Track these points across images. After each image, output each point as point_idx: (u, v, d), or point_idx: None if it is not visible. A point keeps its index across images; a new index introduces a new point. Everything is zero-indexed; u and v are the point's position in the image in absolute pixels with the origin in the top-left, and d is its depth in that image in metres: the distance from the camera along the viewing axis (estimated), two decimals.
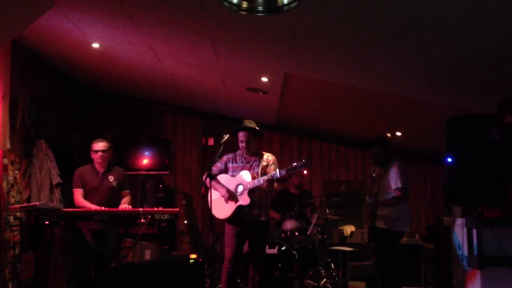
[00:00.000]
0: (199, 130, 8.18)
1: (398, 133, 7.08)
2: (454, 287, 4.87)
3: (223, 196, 4.51)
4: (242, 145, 4.62)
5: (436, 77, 4.64)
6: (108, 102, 7.97)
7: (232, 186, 4.54)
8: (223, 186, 4.54)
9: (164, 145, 7.45)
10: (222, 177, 4.65)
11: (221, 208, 4.57)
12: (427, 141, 7.29)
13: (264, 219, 4.57)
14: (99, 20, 4.69)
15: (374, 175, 4.99)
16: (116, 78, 6.95)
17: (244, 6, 3.56)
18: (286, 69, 5.34)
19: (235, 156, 4.73)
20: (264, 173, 4.54)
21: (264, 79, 5.79)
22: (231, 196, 4.48)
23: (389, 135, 6.83)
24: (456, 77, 4.50)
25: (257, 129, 4.67)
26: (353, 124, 7.46)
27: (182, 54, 5.44)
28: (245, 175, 4.52)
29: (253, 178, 4.47)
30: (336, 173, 8.26)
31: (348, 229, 7.34)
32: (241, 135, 4.62)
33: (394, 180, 4.75)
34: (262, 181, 4.36)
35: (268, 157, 4.68)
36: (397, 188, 4.72)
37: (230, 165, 4.70)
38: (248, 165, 4.62)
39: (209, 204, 4.61)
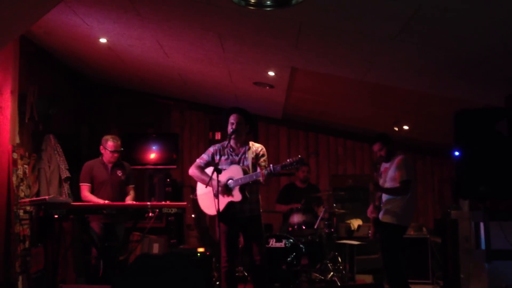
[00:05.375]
0: (206, 124, 8.21)
1: (406, 127, 7.06)
2: (461, 281, 4.87)
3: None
4: (231, 127, 4.27)
5: (443, 71, 4.62)
6: (115, 97, 8.01)
7: (221, 181, 4.16)
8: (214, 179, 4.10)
9: (172, 140, 7.48)
10: (210, 171, 4.22)
11: (209, 204, 4.24)
12: (434, 134, 7.27)
13: (256, 214, 4.32)
14: (106, 15, 4.71)
15: (381, 171, 4.98)
16: (124, 73, 6.98)
17: (252, 1, 3.55)
18: (292, 63, 5.33)
19: (223, 147, 4.38)
20: (254, 165, 4.27)
21: (271, 73, 5.79)
22: (226, 190, 4.19)
23: (396, 129, 6.82)
24: (463, 70, 4.48)
25: (250, 115, 4.40)
26: (360, 118, 7.45)
27: (189, 48, 5.45)
28: (236, 170, 4.21)
29: (245, 172, 4.17)
30: (343, 167, 8.25)
31: (355, 222, 7.35)
32: (232, 118, 4.30)
33: (400, 173, 4.74)
34: (255, 177, 4.08)
35: (257, 148, 4.36)
36: (401, 181, 4.72)
37: (217, 157, 4.35)
38: (237, 158, 4.32)
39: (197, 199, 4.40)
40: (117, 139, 5.22)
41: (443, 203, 7.94)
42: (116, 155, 5.17)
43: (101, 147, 5.20)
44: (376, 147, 4.94)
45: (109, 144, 5.16)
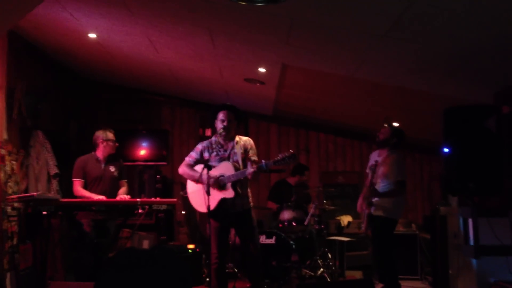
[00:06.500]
0: (196, 120, 8.17)
1: (396, 124, 7.08)
2: (450, 277, 4.90)
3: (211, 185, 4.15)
4: (222, 124, 4.29)
5: (433, 68, 4.65)
6: (105, 93, 7.95)
7: (212, 178, 4.18)
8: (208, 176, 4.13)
9: (162, 136, 7.45)
10: (200, 168, 4.27)
11: (201, 201, 4.20)
12: (424, 131, 7.31)
13: (247, 207, 4.34)
14: (95, 10, 4.67)
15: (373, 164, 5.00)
16: (113, 68, 6.93)
17: None
18: (283, 59, 5.33)
19: (211, 144, 4.40)
20: (243, 159, 4.30)
21: (262, 70, 5.78)
22: (218, 187, 4.19)
23: (386, 125, 6.84)
24: (453, 68, 4.51)
25: (239, 111, 4.42)
26: (351, 115, 7.47)
27: (179, 44, 5.43)
28: (226, 166, 4.23)
29: (235, 168, 4.21)
30: (333, 163, 8.28)
31: (345, 219, 7.38)
32: (223, 115, 4.33)
33: (393, 172, 4.77)
34: (246, 173, 4.11)
35: (245, 141, 4.39)
36: (396, 181, 4.75)
37: (206, 154, 4.37)
38: (226, 153, 4.33)
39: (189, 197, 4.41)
40: (110, 130, 5.28)
41: (432, 199, 7.99)
42: (117, 144, 5.23)
43: (100, 141, 5.16)
44: (383, 129, 5.00)
45: (110, 135, 5.19)
